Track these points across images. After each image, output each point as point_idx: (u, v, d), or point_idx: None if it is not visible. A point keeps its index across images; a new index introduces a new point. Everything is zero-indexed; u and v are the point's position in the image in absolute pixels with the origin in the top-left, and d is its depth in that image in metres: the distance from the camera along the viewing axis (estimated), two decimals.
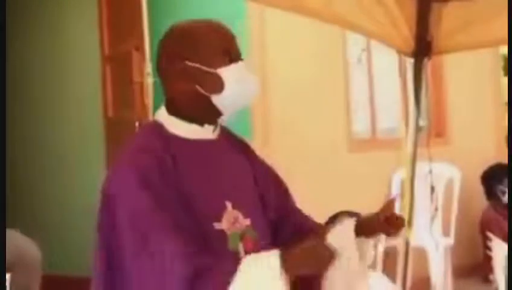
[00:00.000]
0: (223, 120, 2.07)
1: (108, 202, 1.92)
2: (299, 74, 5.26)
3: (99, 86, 5.43)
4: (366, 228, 2.01)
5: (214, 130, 2.06)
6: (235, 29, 2.11)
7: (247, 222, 2.00)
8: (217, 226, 1.93)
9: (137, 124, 4.63)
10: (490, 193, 6.52)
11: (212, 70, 1.96)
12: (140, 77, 4.63)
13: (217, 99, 1.97)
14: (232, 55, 1.99)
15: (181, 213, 1.87)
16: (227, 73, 1.96)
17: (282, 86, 5.09)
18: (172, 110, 2.02)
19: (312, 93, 5.36)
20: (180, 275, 1.77)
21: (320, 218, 2.17)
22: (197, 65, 1.96)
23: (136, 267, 1.84)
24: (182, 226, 1.84)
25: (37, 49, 6.19)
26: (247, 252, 1.94)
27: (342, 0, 2.47)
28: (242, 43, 2.09)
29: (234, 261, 1.80)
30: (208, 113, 2.01)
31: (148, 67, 4.55)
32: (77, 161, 5.94)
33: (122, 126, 4.95)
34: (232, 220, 1.97)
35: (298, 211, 2.22)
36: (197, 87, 1.97)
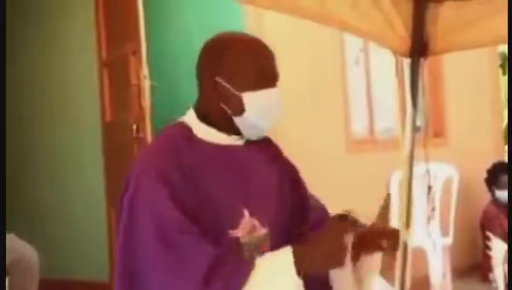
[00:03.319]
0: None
1: (129, 202, 1.89)
2: (298, 75, 5.26)
3: (96, 90, 5.43)
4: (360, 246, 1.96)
5: (241, 138, 2.05)
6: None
7: (265, 230, 1.98)
8: (232, 233, 1.92)
9: (134, 127, 4.64)
10: (490, 189, 6.55)
11: (237, 93, 1.96)
12: (137, 80, 4.64)
13: (237, 120, 1.99)
14: (264, 80, 1.98)
15: (199, 217, 1.86)
16: (251, 99, 1.96)
17: (280, 88, 5.08)
18: (201, 116, 2.02)
19: (310, 95, 5.36)
20: (197, 269, 1.77)
21: None
22: (225, 84, 1.96)
23: (159, 267, 1.82)
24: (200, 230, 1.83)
25: (34, 53, 6.18)
26: None
27: (337, 0, 2.46)
28: None
29: (249, 261, 1.81)
30: (231, 128, 2.01)
31: (145, 70, 4.57)
32: (75, 164, 5.93)
33: (119, 129, 4.95)
34: (249, 229, 1.95)
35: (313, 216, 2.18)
36: (222, 104, 1.98)
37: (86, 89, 5.76)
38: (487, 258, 5.12)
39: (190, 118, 2.04)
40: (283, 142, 2.26)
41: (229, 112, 1.98)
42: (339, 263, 1.82)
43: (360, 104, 6.10)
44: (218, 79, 1.97)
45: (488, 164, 6.62)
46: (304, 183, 2.20)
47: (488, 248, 5.42)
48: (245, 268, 1.80)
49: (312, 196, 2.21)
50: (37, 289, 3.81)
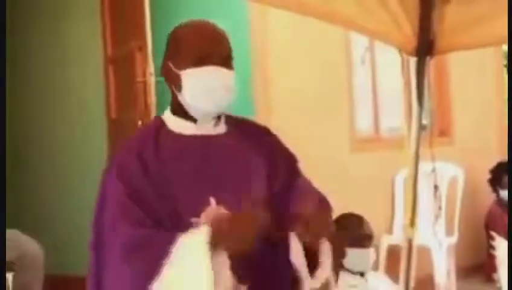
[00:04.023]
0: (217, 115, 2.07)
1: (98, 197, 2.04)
2: (303, 74, 5.26)
3: (102, 86, 5.43)
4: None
5: (215, 126, 2.07)
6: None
7: None
8: (194, 221, 1.93)
9: (140, 123, 4.63)
10: (494, 189, 6.54)
11: (176, 70, 2.01)
12: (143, 77, 4.63)
13: (181, 100, 2.04)
14: (203, 58, 1.98)
15: (157, 208, 1.91)
16: (188, 75, 1.99)
17: (285, 87, 5.08)
18: (173, 109, 2.09)
19: (316, 93, 5.36)
20: (121, 245, 1.87)
21: None
22: (170, 64, 2.03)
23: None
24: (154, 220, 1.89)
25: (40, 49, 6.19)
26: None
27: None
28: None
29: (171, 239, 1.82)
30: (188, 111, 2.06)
31: (151, 67, 4.56)
32: (80, 161, 5.93)
33: (125, 126, 4.95)
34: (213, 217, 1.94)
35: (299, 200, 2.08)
36: (172, 86, 2.05)
37: (91, 85, 5.76)
38: (491, 258, 5.11)
39: (166, 112, 2.12)
40: (288, 139, 2.25)
41: (175, 91, 2.04)
42: (250, 239, 1.80)
43: (366, 102, 6.09)
44: (167, 62, 2.05)
45: (494, 164, 6.61)
46: (298, 173, 2.17)
47: (492, 247, 5.41)
48: (166, 241, 1.82)
49: (313, 188, 2.16)
50: (41, 285, 3.81)
